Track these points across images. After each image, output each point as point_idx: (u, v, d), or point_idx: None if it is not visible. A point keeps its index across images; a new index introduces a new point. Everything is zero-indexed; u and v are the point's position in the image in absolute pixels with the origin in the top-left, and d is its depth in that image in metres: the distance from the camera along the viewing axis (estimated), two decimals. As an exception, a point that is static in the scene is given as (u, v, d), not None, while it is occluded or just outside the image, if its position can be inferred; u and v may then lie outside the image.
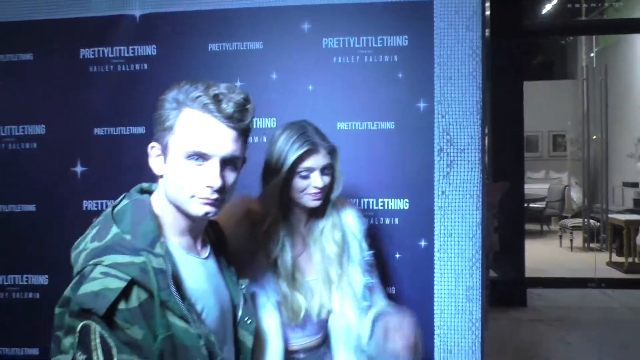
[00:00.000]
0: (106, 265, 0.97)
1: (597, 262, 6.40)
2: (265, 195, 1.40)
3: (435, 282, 1.84)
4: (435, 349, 1.83)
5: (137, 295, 0.96)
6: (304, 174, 1.36)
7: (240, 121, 1.04)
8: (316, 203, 1.41)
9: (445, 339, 1.85)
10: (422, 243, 1.84)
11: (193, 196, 1.04)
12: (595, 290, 5.83)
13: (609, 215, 7.22)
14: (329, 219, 1.46)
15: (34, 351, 2.01)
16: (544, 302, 5.37)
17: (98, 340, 0.92)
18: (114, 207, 1.09)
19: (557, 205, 9.33)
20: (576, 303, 5.44)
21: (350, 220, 1.51)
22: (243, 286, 1.22)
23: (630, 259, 6.75)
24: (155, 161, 1.09)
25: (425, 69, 1.82)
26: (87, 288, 0.94)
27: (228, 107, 1.02)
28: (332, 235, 1.45)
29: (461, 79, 1.79)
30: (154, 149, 1.10)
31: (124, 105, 1.97)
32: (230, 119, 1.03)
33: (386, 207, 1.85)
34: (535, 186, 9.67)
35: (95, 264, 0.97)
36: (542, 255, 7.24)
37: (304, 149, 1.34)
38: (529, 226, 8.35)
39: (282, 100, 1.88)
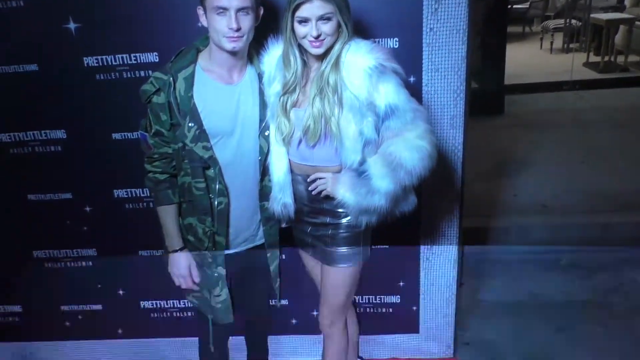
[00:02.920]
0: (152, 77, 1.66)
1: (575, 64, 6.57)
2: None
3: (422, 114, 2.03)
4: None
5: (163, 96, 1.64)
6: (302, 21, 1.52)
7: None
8: (317, 51, 1.55)
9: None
10: (411, 79, 1.97)
11: (223, 36, 1.56)
12: (569, 92, 6.11)
13: (591, 15, 7.20)
14: (327, 64, 1.57)
15: (68, 195, 2.26)
16: (520, 108, 5.66)
17: (148, 115, 1.70)
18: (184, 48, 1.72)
19: (541, 5, 9.16)
20: (551, 106, 5.74)
21: (354, 66, 1.56)
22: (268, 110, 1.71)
23: (606, 58, 6.95)
24: (201, 18, 1.62)
25: None
26: (142, 87, 1.67)
27: None
28: (327, 78, 1.58)
29: None
30: (200, 10, 1.61)
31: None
32: None
33: (377, 47, 1.94)
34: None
35: (152, 75, 1.67)
36: (522, 59, 7.36)
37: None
38: (511, 28, 8.33)
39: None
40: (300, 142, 1.66)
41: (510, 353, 2.49)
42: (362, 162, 1.59)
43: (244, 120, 1.71)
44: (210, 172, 1.69)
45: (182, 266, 1.80)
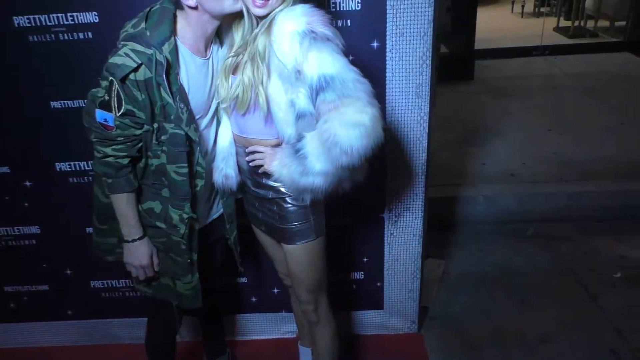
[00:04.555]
0: (130, 49, 1.38)
1: (545, 29, 6.49)
2: None
3: (386, 82, 1.91)
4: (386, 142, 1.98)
5: (143, 73, 1.39)
6: None
7: None
8: (259, 11, 1.39)
9: (395, 133, 1.99)
10: (374, 44, 1.84)
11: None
12: (539, 57, 6.05)
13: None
14: (261, 28, 1.41)
15: (5, 169, 2.08)
16: (490, 74, 5.58)
17: (114, 93, 1.41)
18: (150, 8, 1.44)
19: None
20: (520, 72, 5.68)
21: (281, 30, 1.38)
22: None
23: (576, 23, 6.90)
24: None
25: None
26: (114, 60, 1.39)
27: None
28: (257, 43, 1.42)
29: None
30: None
31: None
32: None
33: (337, 9, 1.79)
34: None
35: (124, 45, 1.39)
36: (493, 23, 7.24)
37: None
38: (482, -9, 8.19)
39: None
40: (233, 110, 1.54)
41: (475, 326, 2.46)
42: (300, 137, 1.42)
43: (214, 97, 1.57)
44: (193, 156, 1.54)
45: (144, 256, 1.62)
